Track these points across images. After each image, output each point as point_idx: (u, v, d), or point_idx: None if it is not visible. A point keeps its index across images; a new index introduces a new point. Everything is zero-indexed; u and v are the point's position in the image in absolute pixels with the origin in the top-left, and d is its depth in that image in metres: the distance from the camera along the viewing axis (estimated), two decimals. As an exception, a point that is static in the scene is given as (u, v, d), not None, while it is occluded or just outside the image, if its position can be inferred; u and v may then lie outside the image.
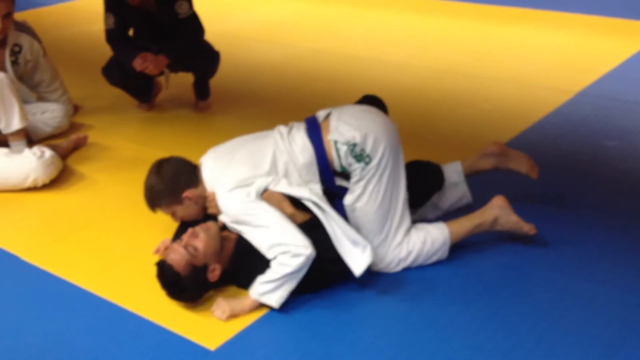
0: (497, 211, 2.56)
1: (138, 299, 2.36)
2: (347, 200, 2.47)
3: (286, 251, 2.24)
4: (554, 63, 4.72)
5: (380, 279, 2.47)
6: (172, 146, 3.46)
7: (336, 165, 2.46)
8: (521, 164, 2.78)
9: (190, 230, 2.34)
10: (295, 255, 2.23)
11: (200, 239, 2.31)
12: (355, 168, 2.41)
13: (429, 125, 3.84)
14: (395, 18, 6.05)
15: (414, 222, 2.58)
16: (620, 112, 3.87)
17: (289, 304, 2.33)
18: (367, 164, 2.40)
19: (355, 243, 2.30)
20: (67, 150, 3.54)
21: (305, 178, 2.47)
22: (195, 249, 2.28)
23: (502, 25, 5.75)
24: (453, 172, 2.79)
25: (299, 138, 2.49)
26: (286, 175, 2.46)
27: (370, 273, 2.50)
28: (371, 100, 2.76)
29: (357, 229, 2.46)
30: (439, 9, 6.30)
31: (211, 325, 2.28)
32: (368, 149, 2.39)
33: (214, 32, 4.46)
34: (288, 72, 4.79)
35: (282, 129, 2.56)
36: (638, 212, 2.89)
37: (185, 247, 2.29)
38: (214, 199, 2.45)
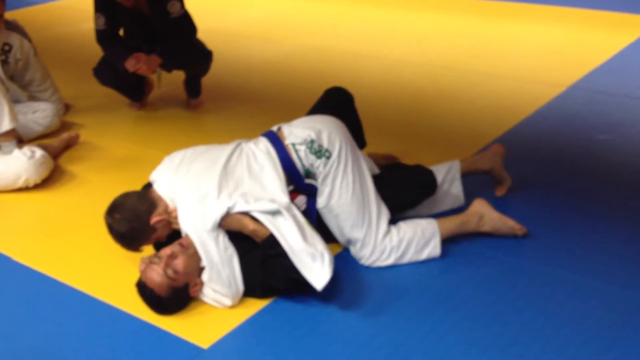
0: (480, 208, 2.62)
1: (131, 298, 2.35)
2: (320, 203, 2.50)
3: (215, 298, 2.33)
4: (545, 57, 4.73)
5: (374, 276, 2.47)
6: (164, 145, 3.45)
7: (299, 167, 2.50)
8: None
9: (169, 251, 2.31)
10: (219, 303, 2.33)
11: (179, 261, 2.28)
12: (318, 165, 2.47)
13: (423, 121, 3.85)
14: (389, 14, 6.05)
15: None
16: (611, 105, 3.88)
17: (281, 302, 2.34)
18: (327, 158, 2.46)
19: (313, 257, 2.24)
20: (58, 150, 3.53)
21: (271, 183, 2.45)
22: (176, 271, 2.26)
23: (494, 20, 5.75)
24: (451, 170, 2.80)
25: (262, 145, 2.54)
26: (241, 185, 2.42)
27: (364, 270, 2.50)
28: (334, 93, 2.82)
29: (339, 229, 2.50)
30: (432, 4, 6.30)
31: (204, 324, 2.28)
32: (325, 144, 2.47)
33: (207, 30, 4.45)
34: (282, 70, 4.78)
35: (242, 140, 2.61)
36: (630, 205, 2.89)
37: (165, 269, 2.26)
38: (177, 215, 2.42)
